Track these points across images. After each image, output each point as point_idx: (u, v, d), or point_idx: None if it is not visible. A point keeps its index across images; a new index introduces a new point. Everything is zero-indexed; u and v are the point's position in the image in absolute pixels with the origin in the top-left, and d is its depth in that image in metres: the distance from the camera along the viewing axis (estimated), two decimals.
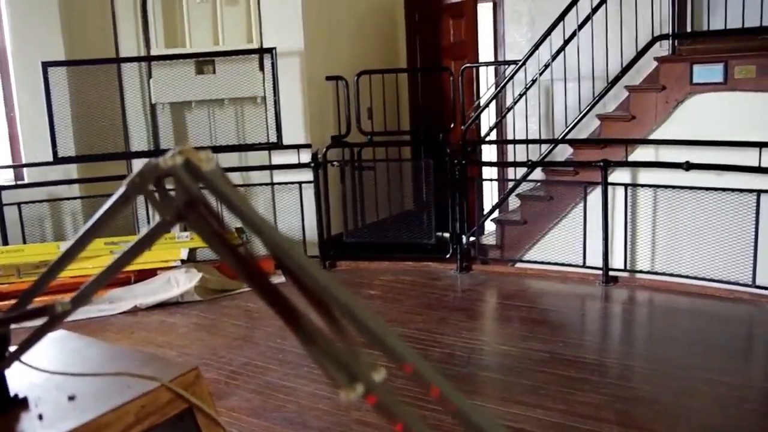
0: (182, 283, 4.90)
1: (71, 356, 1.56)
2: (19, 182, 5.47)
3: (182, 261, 5.08)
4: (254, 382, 3.44)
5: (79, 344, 1.67)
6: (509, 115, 5.58)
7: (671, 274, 4.47)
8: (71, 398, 1.23)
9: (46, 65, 5.32)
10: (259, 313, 4.60)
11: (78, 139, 5.63)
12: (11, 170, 5.55)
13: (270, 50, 5.55)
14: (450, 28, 6.54)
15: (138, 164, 5.68)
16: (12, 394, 1.22)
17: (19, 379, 1.28)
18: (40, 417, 1.17)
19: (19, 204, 5.34)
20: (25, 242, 5.35)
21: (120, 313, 4.66)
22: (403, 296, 4.79)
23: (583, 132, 5.17)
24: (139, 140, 5.94)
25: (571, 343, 3.75)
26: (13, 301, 4.13)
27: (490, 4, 6.40)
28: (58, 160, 5.45)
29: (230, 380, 3.48)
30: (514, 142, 5.52)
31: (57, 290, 4.87)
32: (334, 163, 5.63)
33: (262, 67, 5.64)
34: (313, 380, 3.38)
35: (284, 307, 0.98)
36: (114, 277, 1.06)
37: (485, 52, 6.32)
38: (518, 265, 5.11)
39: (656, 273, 4.55)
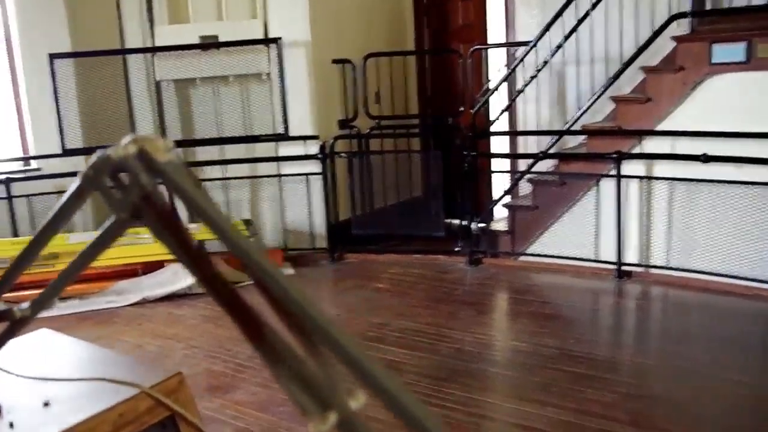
0: (189, 275, 4.84)
1: (50, 358, 1.51)
2: (28, 174, 5.45)
3: None
4: (261, 375, 3.38)
5: (60, 345, 1.62)
6: (520, 100, 5.47)
7: (688, 270, 4.31)
8: (46, 404, 1.18)
9: (52, 57, 5.28)
10: (266, 305, 4.55)
11: (86, 131, 5.60)
12: (20, 163, 5.53)
13: (275, 40, 5.47)
14: (459, 9, 6.43)
15: None
16: None
17: None
18: (11, 425, 1.12)
19: (28, 196, 5.32)
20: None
21: (128, 305, 4.63)
22: (411, 290, 4.72)
23: (597, 116, 5.05)
24: (146, 129, 5.89)
25: (583, 339, 3.66)
26: (20, 293, 4.08)
27: None
28: (66, 152, 5.42)
29: (237, 373, 3.44)
30: (523, 133, 5.42)
31: (80, 279, 4.87)
32: (342, 154, 5.56)
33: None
34: None
35: (245, 316, 0.88)
36: (73, 278, 1.01)
37: (496, 35, 6.20)
38: (529, 258, 5.02)
39: (672, 268, 4.39)
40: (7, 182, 5.20)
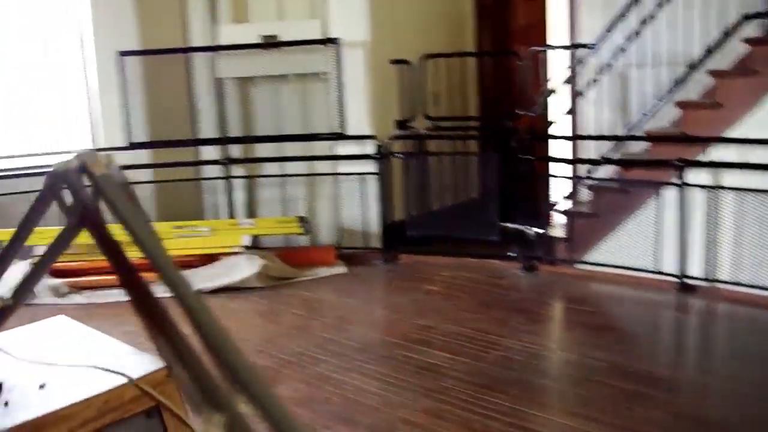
0: (244, 269, 4.93)
1: (57, 344, 1.59)
2: None
3: (244, 247, 5.10)
4: (305, 372, 3.41)
5: (69, 332, 1.68)
6: (582, 103, 5.33)
7: (757, 287, 4.06)
8: (41, 387, 1.25)
9: (122, 54, 5.44)
10: (318, 303, 4.59)
11: (151, 125, 5.75)
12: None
13: (334, 40, 5.50)
14: (520, 10, 6.31)
15: (205, 151, 5.81)
16: None
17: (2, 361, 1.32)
18: (6, 404, 1.19)
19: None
20: None
21: None
22: (462, 294, 4.66)
23: (662, 122, 4.87)
24: (208, 126, 6.01)
25: (637, 354, 3.54)
26: (83, 278, 4.20)
27: None
28: (132, 146, 5.57)
29: (281, 368, 3.46)
30: (581, 138, 5.26)
31: (138, 269, 5.01)
32: (399, 155, 5.53)
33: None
34: (362, 374, 3.33)
35: (159, 321, 0.96)
36: (41, 275, 1.18)
37: (559, 36, 6.05)
38: (587, 266, 4.86)
39: (740, 284, 4.12)
40: None
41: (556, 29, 6.08)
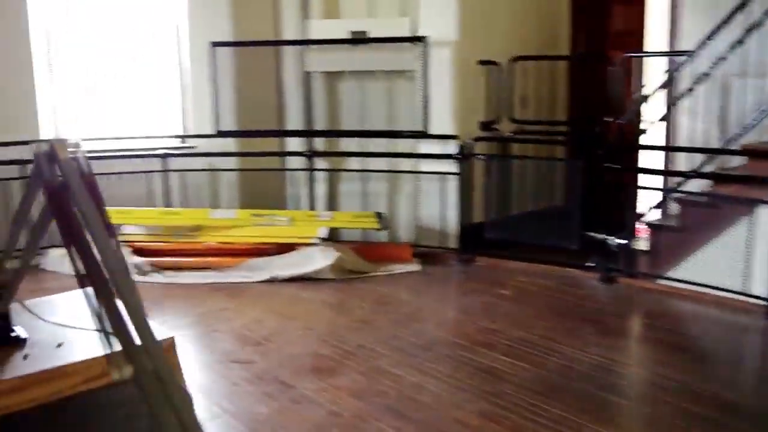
0: (318, 260, 5.00)
1: (78, 312, 1.68)
2: (184, 151, 5.86)
3: (321, 239, 5.17)
4: (365, 364, 3.42)
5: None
6: (677, 113, 5.10)
7: None
8: (59, 345, 1.36)
9: (214, 45, 5.63)
10: (388, 298, 4.60)
11: (238, 115, 5.93)
12: (179, 140, 5.96)
13: (422, 39, 5.49)
14: (618, 14, 6.11)
15: (292, 142, 5.95)
16: (16, 334, 1.38)
17: (29, 323, 1.45)
18: (25, 357, 1.32)
19: (182, 171, 5.73)
20: (185, 206, 5.73)
21: (258, 282, 4.84)
22: (535, 300, 4.55)
23: (765, 136, 4.60)
24: (294, 118, 6.14)
25: (714, 377, 3.33)
26: (167, 258, 4.40)
27: None
28: (219, 134, 5.76)
29: (343, 359, 3.49)
30: (670, 149, 5.03)
31: (206, 253, 5.20)
32: (481, 156, 5.46)
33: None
34: (421, 371, 3.31)
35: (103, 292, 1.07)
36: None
37: (658, 43, 5.83)
38: (669, 282, 4.65)
39: None
40: (164, 157, 5.62)
41: (655, 35, 5.87)
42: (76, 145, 1.08)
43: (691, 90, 4.67)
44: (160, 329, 1.41)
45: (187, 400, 1.29)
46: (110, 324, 1.00)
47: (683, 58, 4.71)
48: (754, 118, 4.38)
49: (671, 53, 5.08)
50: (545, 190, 5.86)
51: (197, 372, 3.35)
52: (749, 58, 4.62)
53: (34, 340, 1.36)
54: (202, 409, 2.91)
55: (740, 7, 4.25)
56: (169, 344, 1.36)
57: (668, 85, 4.92)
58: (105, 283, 1.01)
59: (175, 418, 0.92)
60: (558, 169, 5.87)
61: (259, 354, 3.53)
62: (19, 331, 1.36)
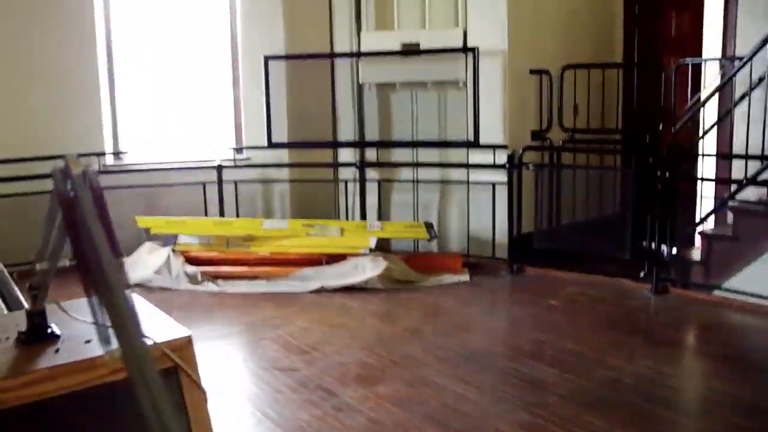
0: (368, 270, 5.06)
1: None
2: (238, 162, 6.03)
3: (370, 249, 5.23)
4: (408, 373, 3.46)
5: None
6: (733, 120, 4.97)
7: None
8: (87, 341, 1.46)
9: (267, 59, 5.78)
10: (435, 308, 4.62)
11: (291, 126, 6.06)
12: (234, 152, 6.13)
13: (472, 50, 5.51)
14: (673, 21, 6.00)
15: (344, 153, 6.05)
16: (51, 330, 1.49)
17: (65, 320, 1.56)
18: (57, 351, 1.42)
19: (235, 182, 5.89)
20: (238, 217, 5.88)
21: (308, 291, 4.93)
22: (585, 311, 4.51)
23: None
24: (347, 129, 6.23)
25: (766, 390, 3.25)
26: (221, 268, 4.53)
27: None
28: (271, 145, 5.90)
29: (386, 368, 3.53)
30: (725, 156, 4.90)
31: (258, 263, 5.32)
32: (530, 165, 5.44)
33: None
34: (465, 381, 3.32)
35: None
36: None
37: (714, 48, 5.69)
38: (724, 293, 4.52)
39: None
40: (219, 168, 5.79)
41: (712, 40, 5.74)
42: (88, 163, 1.18)
43: (744, 96, 4.55)
44: (177, 328, 1.51)
45: (201, 396, 1.38)
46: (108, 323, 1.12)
47: (737, 63, 4.59)
48: None
49: (723, 59, 4.95)
50: (597, 200, 5.78)
51: (243, 379, 3.45)
52: None
53: (66, 336, 1.48)
54: (247, 414, 3.00)
55: None
56: (188, 341, 1.45)
57: (720, 90, 4.80)
58: (106, 292, 1.07)
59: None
60: (609, 178, 5.79)
61: (304, 362, 3.61)
62: (54, 328, 1.49)
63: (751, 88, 4.50)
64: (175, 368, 1.43)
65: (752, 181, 4.33)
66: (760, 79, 4.45)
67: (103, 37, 5.61)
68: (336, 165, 6.25)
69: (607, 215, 5.89)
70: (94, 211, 1.08)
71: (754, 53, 4.39)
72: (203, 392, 1.46)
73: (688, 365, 3.69)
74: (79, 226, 1.10)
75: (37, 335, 1.45)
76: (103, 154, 5.59)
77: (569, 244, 5.38)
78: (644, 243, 4.88)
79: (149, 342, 1.36)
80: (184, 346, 1.44)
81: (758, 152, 4.78)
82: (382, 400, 3.13)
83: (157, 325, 1.56)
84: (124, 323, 1.04)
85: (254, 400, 3.16)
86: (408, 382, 3.35)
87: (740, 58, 4.56)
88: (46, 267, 1.41)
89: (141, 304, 1.83)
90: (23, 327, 1.47)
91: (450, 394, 3.19)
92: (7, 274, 2.23)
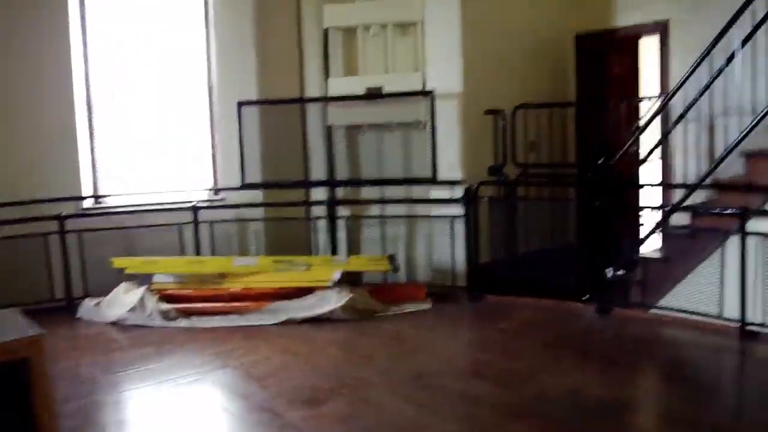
0: (332, 301, 5.38)
1: None
2: (213, 203, 6.40)
3: (335, 282, 5.55)
4: (355, 394, 3.74)
5: None
6: (670, 151, 5.37)
7: None
8: None
9: (240, 104, 6.20)
10: (393, 335, 4.93)
11: (265, 168, 6.45)
12: (210, 193, 6.51)
13: (428, 93, 5.93)
14: (615, 61, 6.44)
15: (315, 192, 6.42)
16: None
17: None
18: None
19: (211, 222, 6.26)
20: (214, 255, 6.23)
21: (275, 324, 5.24)
22: (532, 332, 4.85)
23: (740, 170, 4.84)
24: (318, 169, 6.63)
25: (677, 395, 3.56)
26: (193, 305, 4.85)
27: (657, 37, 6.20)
28: (244, 186, 6.29)
29: (335, 390, 3.80)
30: (641, 186, 5.29)
31: (233, 298, 5.63)
32: (484, 198, 5.82)
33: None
34: (405, 399, 3.62)
35: None
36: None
37: (652, 86, 6.13)
38: (659, 311, 4.88)
39: None
40: (195, 209, 6.16)
41: (649, 80, 6.17)
42: None
43: (668, 134, 4.95)
44: (31, 329, 1.95)
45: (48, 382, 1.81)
46: None
47: (663, 99, 5.00)
48: (720, 156, 4.63)
49: (650, 97, 5.37)
50: (552, 230, 6.15)
51: (200, 403, 3.78)
52: (731, 99, 4.88)
53: None
54: None
55: (705, 55, 4.54)
56: (36, 340, 1.94)
57: (647, 126, 5.20)
58: None
59: None
60: (563, 209, 6.16)
61: (260, 387, 3.92)
62: None
63: (674, 124, 4.89)
64: (27, 364, 1.88)
65: (677, 207, 4.70)
66: (681, 116, 4.85)
67: (83, 82, 5.95)
68: (308, 203, 6.62)
69: (562, 244, 6.25)
70: None
71: (672, 94, 4.79)
72: (49, 379, 1.85)
73: (614, 377, 3.95)
74: None
75: None
76: (82, 198, 5.96)
77: (523, 272, 5.74)
78: (590, 267, 5.23)
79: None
80: (33, 343, 1.90)
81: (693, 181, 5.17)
82: (324, 418, 3.44)
83: (14, 326, 1.99)
84: None
85: (207, 422, 3.48)
86: (352, 401, 3.65)
87: (661, 96, 4.98)
88: None
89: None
90: None
91: (389, 411, 3.50)
92: None
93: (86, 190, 6.04)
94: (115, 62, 6.18)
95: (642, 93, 6.43)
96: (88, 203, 6.05)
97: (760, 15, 4.39)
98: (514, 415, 3.35)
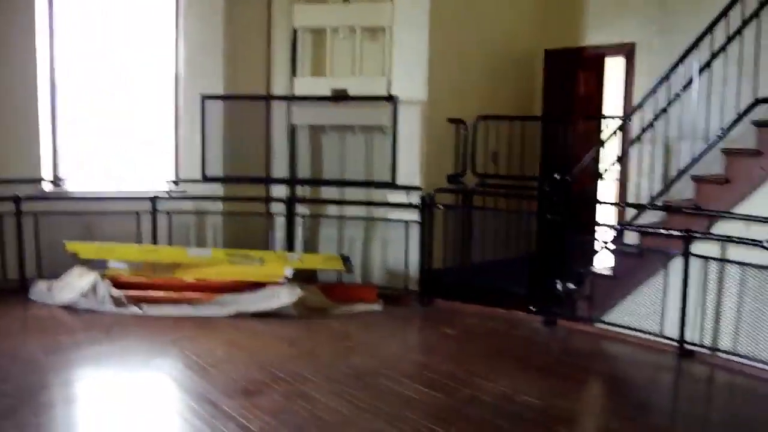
0: (283, 297, 5.41)
1: None
2: (173, 195, 6.38)
3: (287, 278, 5.57)
4: (291, 388, 3.77)
5: None
6: (633, 173, 5.48)
7: (755, 359, 4.09)
8: None
9: (204, 98, 6.20)
10: (339, 334, 4.96)
11: (226, 162, 6.45)
12: (171, 184, 6.49)
13: (391, 98, 5.98)
14: (583, 79, 6.56)
15: (276, 189, 6.43)
16: None
17: None
18: None
19: (169, 212, 6.25)
20: (172, 246, 6.21)
21: (227, 316, 5.25)
22: (476, 339, 4.91)
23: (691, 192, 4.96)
24: (280, 167, 6.64)
25: (617, 413, 3.63)
26: (147, 292, 4.85)
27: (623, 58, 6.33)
28: (205, 179, 6.28)
29: (273, 383, 3.84)
30: (598, 203, 5.38)
31: (185, 288, 5.63)
32: (440, 206, 5.88)
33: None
34: (339, 396, 3.66)
35: None
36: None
37: (615, 105, 6.26)
38: (603, 325, 4.96)
39: (737, 354, 4.16)
40: (153, 199, 6.15)
41: (612, 99, 6.29)
42: None
43: (623, 156, 5.05)
44: None
45: None
46: None
47: (619, 120, 5.12)
48: (672, 178, 4.75)
49: (613, 117, 5.47)
50: (507, 240, 6.22)
51: (139, 389, 3.78)
52: (686, 124, 4.99)
53: None
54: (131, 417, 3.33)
55: (663, 81, 4.66)
56: None
57: (603, 144, 5.30)
58: None
59: None
60: (519, 220, 6.23)
61: (200, 376, 3.93)
62: None
63: (630, 144, 5.00)
64: None
65: (625, 226, 4.80)
66: (637, 137, 4.96)
67: (47, 65, 5.90)
68: (267, 200, 6.64)
69: (516, 255, 6.33)
70: None
71: (629, 115, 4.90)
72: None
73: (550, 386, 4.00)
74: None
75: None
76: (41, 180, 5.93)
77: (476, 280, 5.81)
78: (541, 280, 5.31)
79: None
80: None
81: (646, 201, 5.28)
82: (257, 410, 3.46)
83: None
84: None
85: (144, 407, 3.50)
86: (287, 395, 3.68)
87: (617, 117, 5.09)
88: None
89: None
90: None
91: (322, 407, 3.53)
92: None
93: (46, 173, 6.00)
94: (82, 47, 6.15)
95: (605, 112, 6.54)
96: (47, 187, 6.01)
97: (717, 45, 4.53)
98: (443, 419, 3.39)
